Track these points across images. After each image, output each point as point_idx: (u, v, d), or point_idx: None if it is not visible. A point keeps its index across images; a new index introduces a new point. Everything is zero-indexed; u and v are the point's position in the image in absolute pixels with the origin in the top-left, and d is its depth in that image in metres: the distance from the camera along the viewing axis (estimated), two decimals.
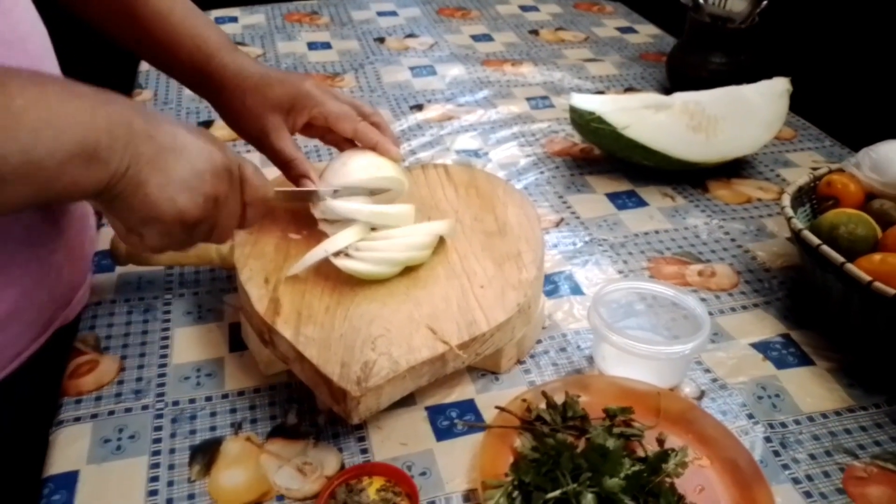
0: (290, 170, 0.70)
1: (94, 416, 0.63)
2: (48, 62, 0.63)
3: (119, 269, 0.79)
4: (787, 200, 0.78)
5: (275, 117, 0.70)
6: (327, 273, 0.67)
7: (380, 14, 1.54)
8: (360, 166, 0.71)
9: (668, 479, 0.55)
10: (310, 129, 0.74)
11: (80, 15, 0.72)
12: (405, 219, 0.71)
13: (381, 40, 1.42)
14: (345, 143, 0.74)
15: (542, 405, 0.62)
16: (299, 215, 0.73)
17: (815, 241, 0.71)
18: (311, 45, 1.38)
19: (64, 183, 0.49)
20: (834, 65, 1.38)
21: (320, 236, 0.70)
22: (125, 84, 1.23)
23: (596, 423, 0.61)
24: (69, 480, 0.58)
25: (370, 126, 0.73)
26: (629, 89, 1.27)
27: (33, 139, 0.45)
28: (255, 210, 0.60)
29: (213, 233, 0.58)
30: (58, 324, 0.72)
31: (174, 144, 0.53)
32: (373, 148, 0.73)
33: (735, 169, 1.04)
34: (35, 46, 0.61)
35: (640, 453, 0.59)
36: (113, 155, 0.49)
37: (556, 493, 0.52)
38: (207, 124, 1.09)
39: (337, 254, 0.66)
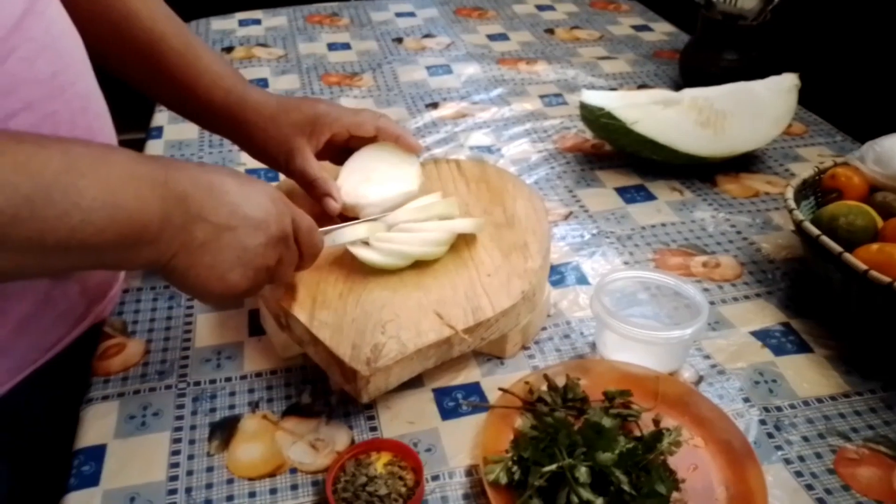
0: (315, 189, 0.73)
1: (120, 394, 0.67)
2: (80, 64, 0.65)
3: None
4: (790, 193, 0.80)
5: (298, 140, 0.73)
6: (341, 262, 0.71)
7: (398, 15, 1.58)
8: (370, 147, 0.77)
9: (661, 457, 0.57)
10: (331, 146, 0.76)
11: (100, 61, 0.73)
12: (449, 208, 0.75)
13: (399, 40, 1.45)
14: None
15: (544, 387, 0.65)
16: (321, 211, 0.75)
17: (815, 231, 0.73)
18: (331, 46, 1.42)
19: (106, 260, 0.50)
20: (846, 60, 1.39)
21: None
22: (144, 111, 1.20)
23: (595, 405, 0.63)
24: (98, 453, 0.62)
25: (389, 122, 0.77)
26: (642, 86, 1.29)
27: (85, 220, 0.45)
28: (308, 260, 0.64)
29: (271, 283, 0.61)
30: (91, 319, 0.74)
31: (230, 222, 0.53)
32: (395, 140, 0.77)
33: (744, 164, 1.05)
34: (68, 48, 0.62)
35: (637, 434, 0.61)
36: (162, 240, 0.50)
37: (553, 466, 0.54)
38: None
39: (354, 242, 0.69)
